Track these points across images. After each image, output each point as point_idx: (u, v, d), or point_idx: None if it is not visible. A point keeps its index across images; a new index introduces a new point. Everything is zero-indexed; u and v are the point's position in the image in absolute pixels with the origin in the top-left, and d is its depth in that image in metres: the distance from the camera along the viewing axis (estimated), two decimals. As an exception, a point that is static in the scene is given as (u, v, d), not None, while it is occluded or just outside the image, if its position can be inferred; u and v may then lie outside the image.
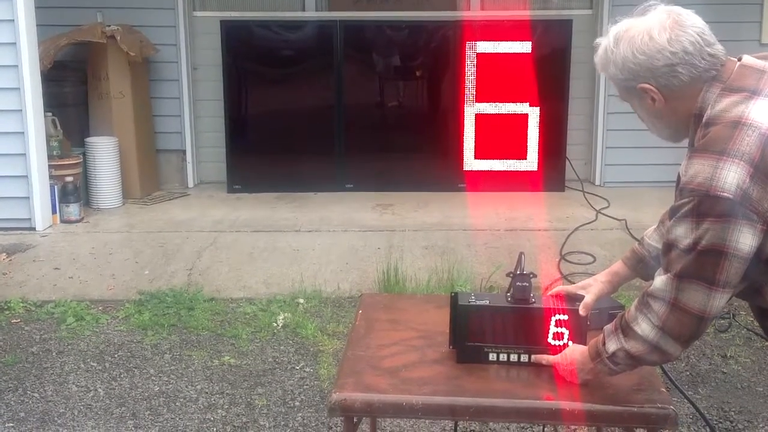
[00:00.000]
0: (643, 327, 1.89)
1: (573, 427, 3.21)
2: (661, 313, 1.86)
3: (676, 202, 1.82)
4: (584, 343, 2.14)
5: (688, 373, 3.82)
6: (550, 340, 2.18)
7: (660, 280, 1.86)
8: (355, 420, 2.17)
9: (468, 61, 6.60)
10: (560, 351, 2.14)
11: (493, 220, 5.92)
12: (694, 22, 1.86)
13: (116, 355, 4.06)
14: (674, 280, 1.83)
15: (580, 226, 5.77)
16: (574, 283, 2.70)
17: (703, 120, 1.84)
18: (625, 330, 1.93)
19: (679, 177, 1.85)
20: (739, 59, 1.90)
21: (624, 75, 1.91)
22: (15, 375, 3.88)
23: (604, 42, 1.94)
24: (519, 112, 6.66)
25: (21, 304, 4.63)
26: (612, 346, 1.95)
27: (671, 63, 1.84)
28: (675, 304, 1.84)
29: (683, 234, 1.80)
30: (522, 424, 3.32)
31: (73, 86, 6.59)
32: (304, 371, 3.88)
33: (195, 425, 3.43)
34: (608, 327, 1.99)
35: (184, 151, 7.05)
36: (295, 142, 6.84)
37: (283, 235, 5.69)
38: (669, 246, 1.84)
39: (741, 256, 1.76)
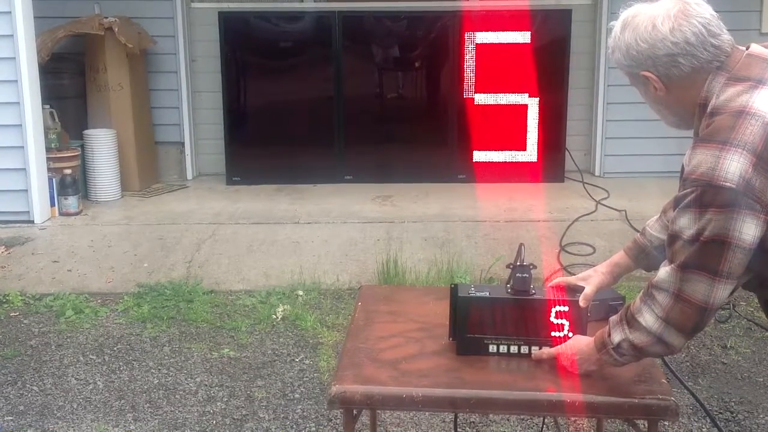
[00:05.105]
0: (647, 318, 1.88)
1: (573, 418, 3.21)
2: (665, 304, 1.85)
3: (680, 192, 1.81)
4: (584, 335, 2.13)
5: (688, 363, 3.82)
6: (550, 331, 2.17)
7: (664, 271, 1.86)
8: (354, 412, 2.16)
9: (467, 52, 6.58)
10: (560, 343, 2.13)
11: (493, 212, 5.91)
12: (700, 13, 1.84)
13: (115, 348, 4.06)
14: (678, 271, 1.82)
15: (580, 217, 5.76)
16: (574, 274, 2.69)
17: (708, 109, 1.83)
18: (630, 321, 1.92)
19: (683, 167, 1.84)
20: (747, 48, 1.88)
21: (627, 62, 1.91)
22: (14, 368, 3.87)
23: (615, 27, 1.93)
24: (518, 103, 6.65)
25: (20, 297, 4.62)
26: (617, 337, 1.95)
27: (672, 53, 1.83)
28: (679, 295, 1.83)
29: (687, 224, 1.79)
30: (522, 416, 3.32)
31: (71, 78, 6.58)
32: (304, 363, 3.88)
33: (194, 418, 3.43)
34: (614, 318, 1.98)
35: (182, 143, 7.04)
36: (294, 134, 6.82)
37: (282, 227, 5.68)
38: (673, 237, 1.83)
39: (744, 247, 1.75)
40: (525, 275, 2.17)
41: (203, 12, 6.97)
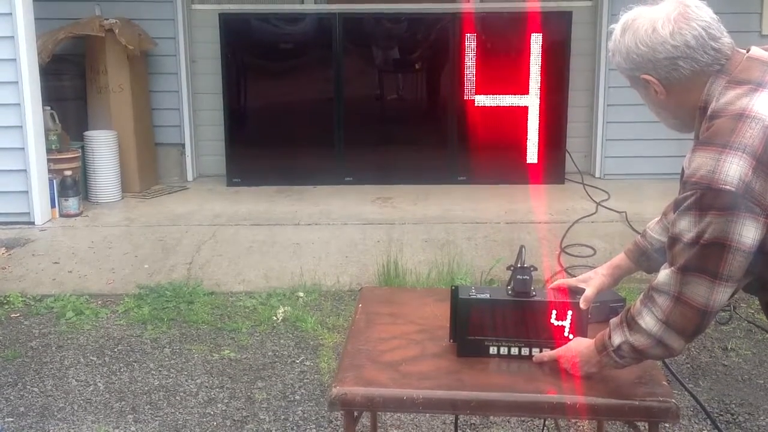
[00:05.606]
0: (647, 321, 1.89)
1: (574, 420, 3.21)
2: (665, 307, 1.85)
3: (680, 195, 1.82)
4: (585, 337, 2.13)
5: (688, 365, 3.82)
6: (550, 333, 2.17)
7: (664, 274, 1.86)
8: (355, 414, 2.16)
9: (467, 54, 6.58)
10: (560, 345, 2.14)
11: (493, 213, 5.91)
12: (700, 16, 1.84)
13: (116, 350, 4.06)
14: (678, 273, 1.82)
15: (581, 218, 5.76)
16: (574, 276, 2.69)
17: (708, 112, 1.83)
18: (630, 323, 1.92)
19: (683, 169, 1.84)
20: (747, 51, 1.88)
21: (628, 65, 1.91)
22: (14, 369, 3.87)
23: (615, 30, 1.93)
24: (519, 105, 6.65)
25: (20, 299, 4.62)
26: (617, 339, 1.95)
27: (672, 56, 1.83)
28: (679, 298, 1.83)
29: (686, 227, 1.79)
30: (523, 418, 3.32)
31: (71, 80, 6.58)
32: (304, 365, 3.88)
33: (195, 419, 3.43)
34: (614, 320, 1.99)
35: (183, 145, 7.04)
36: (294, 135, 6.82)
37: (282, 229, 5.68)
38: (673, 240, 1.83)
39: (744, 250, 1.75)
40: (525, 277, 2.17)
41: (204, 14, 6.98)
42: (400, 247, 5.19)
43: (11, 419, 3.45)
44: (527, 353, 2.17)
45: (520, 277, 2.17)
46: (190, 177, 7.09)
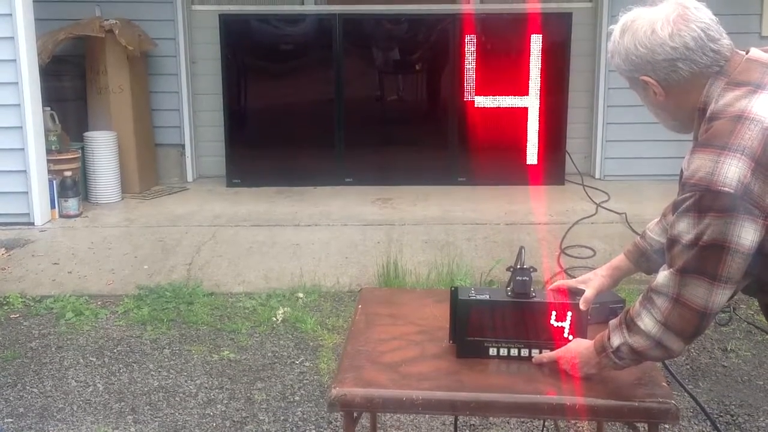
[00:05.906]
0: (646, 322, 1.89)
1: (574, 421, 3.21)
2: (664, 308, 1.85)
3: (679, 196, 1.82)
4: (584, 338, 2.13)
5: (688, 366, 3.82)
6: (550, 334, 2.17)
7: (663, 276, 1.86)
8: (355, 415, 2.16)
9: (467, 55, 6.58)
10: (560, 346, 2.14)
11: (493, 214, 5.91)
12: (699, 17, 1.83)
13: (115, 350, 4.06)
14: (677, 275, 1.82)
15: (580, 219, 5.76)
16: (574, 277, 2.69)
17: (707, 114, 1.83)
18: (629, 325, 1.92)
19: (682, 171, 1.84)
20: (747, 52, 1.88)
21: (627, 66, 1.91)
22: (14, 370, 3.87)
23: (614, 31, 1.93)
24: (518, 106, 6.65)
25: (20, 299, 4.62)
26: (616, 340, 1.95)
27: (671, 58, 1.83)
28: (677, 300, 1.83)
29: (685, 229, 1.79)
30: (522, 419, 3.32)
31: (71, 81, 6.58)
32: (304, 366, 3.88)
33: (194, 420, 3.43)
34: (613, 321, 1.99)
35: (183, 146, 7.04)
36: (294, 136, 6.82)
37: (282, 230, 5.68)
38: (672, 241, 1.83)
39: (743, 251, 1.75)
40: (525, 278, 2.17)
41: (204, 14, 6.98)
42: (399, 248, 5.19)
43: (10, 420, 3.45)
44: (527, 354, 2.18)
45: (520, 278, 2.17)
46: (189, 178, 7.09)
